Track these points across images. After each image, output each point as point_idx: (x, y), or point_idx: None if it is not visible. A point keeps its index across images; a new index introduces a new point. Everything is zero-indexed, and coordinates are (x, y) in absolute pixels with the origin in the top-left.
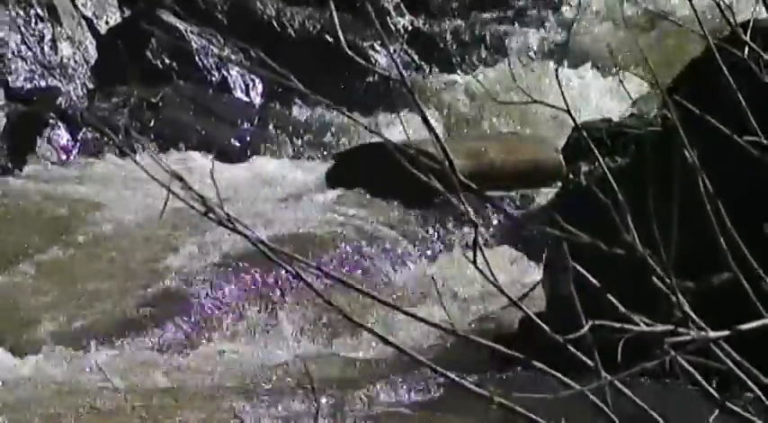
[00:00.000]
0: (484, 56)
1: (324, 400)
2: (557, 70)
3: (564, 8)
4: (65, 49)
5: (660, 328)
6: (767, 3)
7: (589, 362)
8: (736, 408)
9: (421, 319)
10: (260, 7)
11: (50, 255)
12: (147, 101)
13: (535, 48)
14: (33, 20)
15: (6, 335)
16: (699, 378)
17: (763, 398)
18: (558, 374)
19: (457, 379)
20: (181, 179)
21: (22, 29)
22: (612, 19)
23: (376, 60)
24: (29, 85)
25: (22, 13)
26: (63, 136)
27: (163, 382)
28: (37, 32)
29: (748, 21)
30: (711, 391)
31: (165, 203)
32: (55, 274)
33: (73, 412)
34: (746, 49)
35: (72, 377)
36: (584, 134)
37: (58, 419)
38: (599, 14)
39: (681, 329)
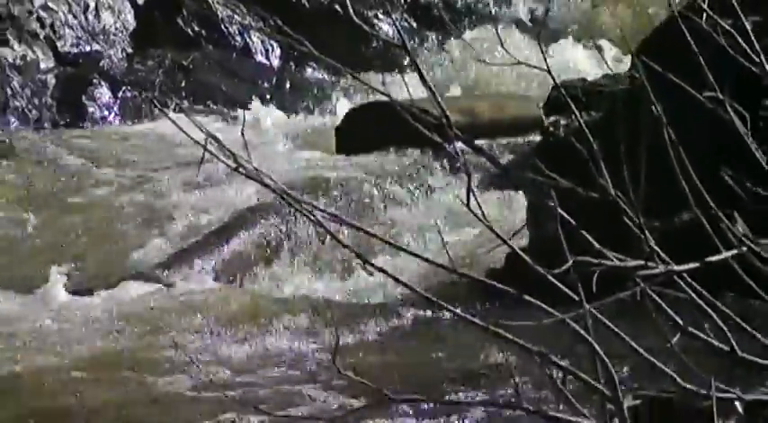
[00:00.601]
0: (474, 23)
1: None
2: (538, 35)
3: None
4: (106, 17)
5: (632, 262)
6: None
7: (570, 292)
8: (694, 331)
9: (424, 259)
10: None
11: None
12: (178, 64)
13: (520, 17)
14: None
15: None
16: (665, 306)
17: (722, 324)
18: (543, 305)
19: (459, 312)
20: (215, 138)
21: (69, 0)
22: None
23: (380, 27)
24: (75, 50)
25: None
26: (105, 94)
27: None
28: (82, 3)
29: None
30: (675, 317)
31: (202, 160)
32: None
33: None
34: (704, 16)
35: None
36: (563, 92)
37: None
38: None
39: (650, 264)
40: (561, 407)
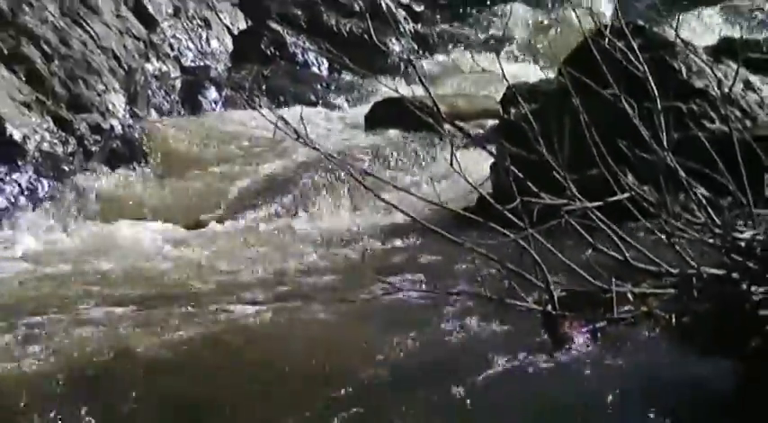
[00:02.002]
0: (457, 46)
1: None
2: (497, 54)
3: (504, 13)
4: (214, 43)
5: (559, 201)
6: (619, 14)
7: (518, 222)
8: (601, 247)
9: (422, 198)
10: (326, 18)
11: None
12: (261, 73)
13: (484, 41)
14: (195, 27)
15: (181, 215)
16: (581, 230)
17: (620, 244)
18: (501, 229)
19: (445, 233)
20: (285, 120)
21: (189, 32)
22: (530, 23)
23: (394, 49)
24: (193, 64)
25: (188, 23)
26: (213, 93)
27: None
28: (197, 34)
29: (608, 24)
30: (587, 236)
31: (274, 133)
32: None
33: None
34: (607, 39)
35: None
36: (514, 90)
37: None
38: (522, 19)
39: (571, 202)
40: (512, 297)
